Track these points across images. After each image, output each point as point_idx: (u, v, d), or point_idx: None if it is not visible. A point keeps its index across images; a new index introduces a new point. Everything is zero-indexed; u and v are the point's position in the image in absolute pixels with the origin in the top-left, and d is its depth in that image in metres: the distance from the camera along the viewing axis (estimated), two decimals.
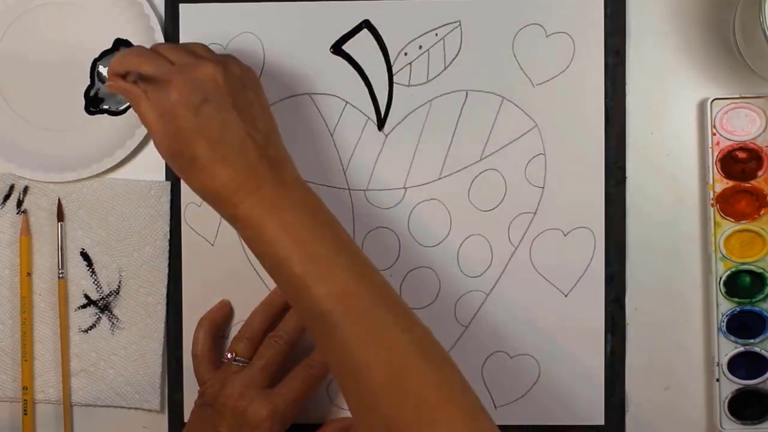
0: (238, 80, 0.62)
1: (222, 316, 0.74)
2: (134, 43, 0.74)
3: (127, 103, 0.74)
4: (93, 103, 0.75)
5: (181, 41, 0.74)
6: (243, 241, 0.64)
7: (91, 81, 0.75)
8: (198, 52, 0.64)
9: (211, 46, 0.73)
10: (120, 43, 0.74)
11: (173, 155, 0.61)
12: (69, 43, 0.74)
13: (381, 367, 0.56)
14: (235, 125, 0.60)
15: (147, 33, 0.73)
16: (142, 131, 0.74)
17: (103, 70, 0.74)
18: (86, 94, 0.75)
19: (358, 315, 0.57)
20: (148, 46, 0.73)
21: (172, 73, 0.60)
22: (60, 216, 0.75)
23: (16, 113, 0.75)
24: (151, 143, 0.75)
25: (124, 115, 0.74)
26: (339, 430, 0.73)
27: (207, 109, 0.59)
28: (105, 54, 0.74)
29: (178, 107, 0.59)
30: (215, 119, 0.59)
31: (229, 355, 0.70)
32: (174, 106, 0.59)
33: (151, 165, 0.75)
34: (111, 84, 0.63)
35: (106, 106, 0.75)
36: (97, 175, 0.74)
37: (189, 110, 0.59)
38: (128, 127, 0.74)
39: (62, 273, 0.75)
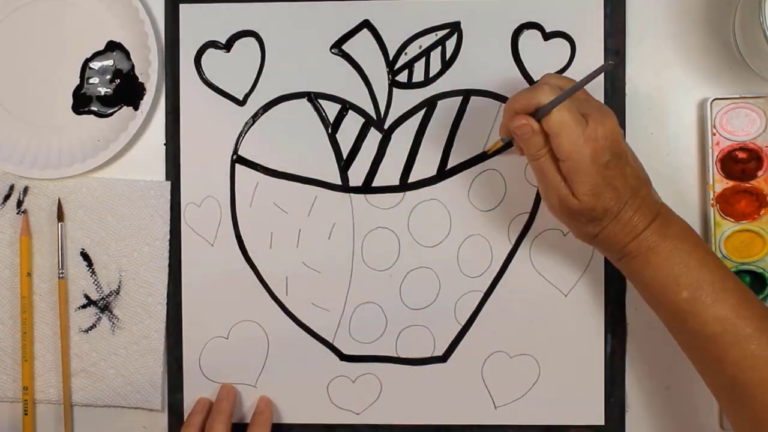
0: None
1: (234, 403, 0.74)
2: (126, 44, 0.74)
3: (114, 108, 0.74)
4: (81, 103, 0.75)
5: (181, 41, 0.74)
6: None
7: (80, 81, 0.74)
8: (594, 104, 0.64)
9: (211, 46, 0.74)
10: (113, 46, 0.74)
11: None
12: (61, 41, 0.74)
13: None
14: (630, 173, 0.63)
15: (139, 34, 0.73)
16: (135, 125, 0.73)
17: (95, 66, 0.74)
18: (75, 93, 0.75)
19: (746, 338, 0.61)
20: (140, 46, 0.72)
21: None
22: (60, 216, 0.75)
23: (9, 111, 0.75)
24: (145, 140, 0.75)
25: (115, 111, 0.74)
26: None
27: (612, 163, 0.61)
28: (97, 54, 0.74)
29: (594, 160, 0.61)
30: (616, 171, 0.62)
31: None
32: (591, 158, 0.61)
33: (150, 164, 0.75)
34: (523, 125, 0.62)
35: (94, 108, 0.74)
36: (94, 170, 0.74)
37: (597, 164, 0.61)
38: (121, 120, 0.74)
39: (62, 273, 0.75)
